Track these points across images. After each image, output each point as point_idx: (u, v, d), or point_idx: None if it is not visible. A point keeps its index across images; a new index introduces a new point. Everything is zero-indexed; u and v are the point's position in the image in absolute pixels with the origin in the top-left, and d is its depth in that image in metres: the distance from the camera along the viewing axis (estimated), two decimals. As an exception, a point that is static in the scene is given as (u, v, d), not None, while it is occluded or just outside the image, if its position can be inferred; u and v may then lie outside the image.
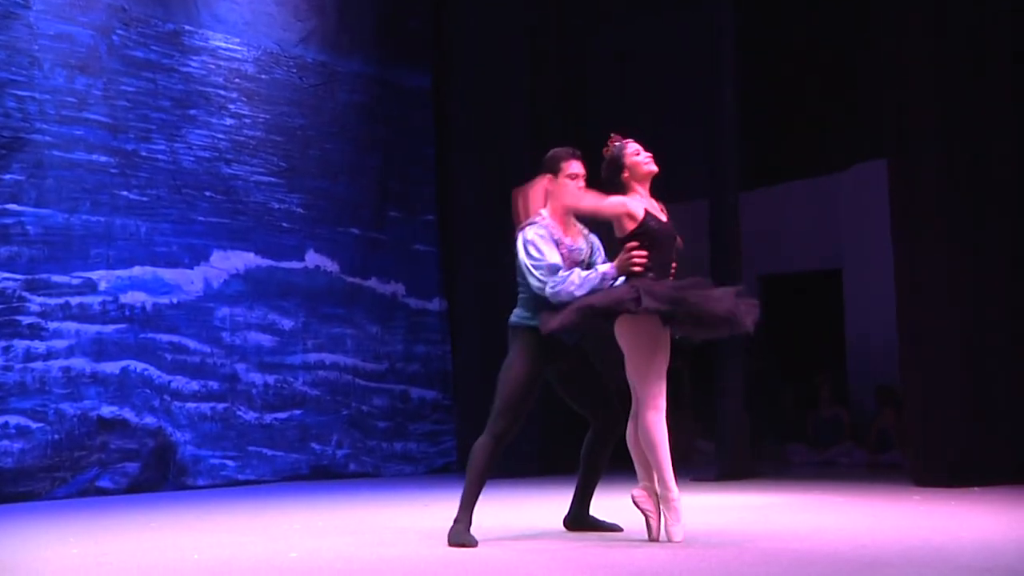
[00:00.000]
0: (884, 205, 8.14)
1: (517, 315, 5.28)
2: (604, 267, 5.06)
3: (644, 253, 4.95)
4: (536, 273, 5.09)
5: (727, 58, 8.97)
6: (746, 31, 9.54)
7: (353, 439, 9.84)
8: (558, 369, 5.31)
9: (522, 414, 5.20)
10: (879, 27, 8.26)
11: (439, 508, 6.98)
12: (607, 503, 5.53)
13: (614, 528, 5.39)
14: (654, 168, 5.14)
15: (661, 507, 4.99)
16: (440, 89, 10.68)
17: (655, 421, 4.91)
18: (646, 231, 4.99)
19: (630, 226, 5.00)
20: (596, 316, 4.94)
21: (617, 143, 5.17)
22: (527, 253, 5.13)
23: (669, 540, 4.92)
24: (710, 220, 8.84)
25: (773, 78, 11.49)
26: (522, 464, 9.19)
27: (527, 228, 5.19)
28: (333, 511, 6.93)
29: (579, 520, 5.45)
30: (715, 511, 6.36)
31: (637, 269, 4.95)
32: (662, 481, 4.94)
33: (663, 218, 5.11)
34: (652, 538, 5.00)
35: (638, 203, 5.04)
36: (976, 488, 7.15)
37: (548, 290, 5.06)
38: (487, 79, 9.92)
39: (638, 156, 5.12)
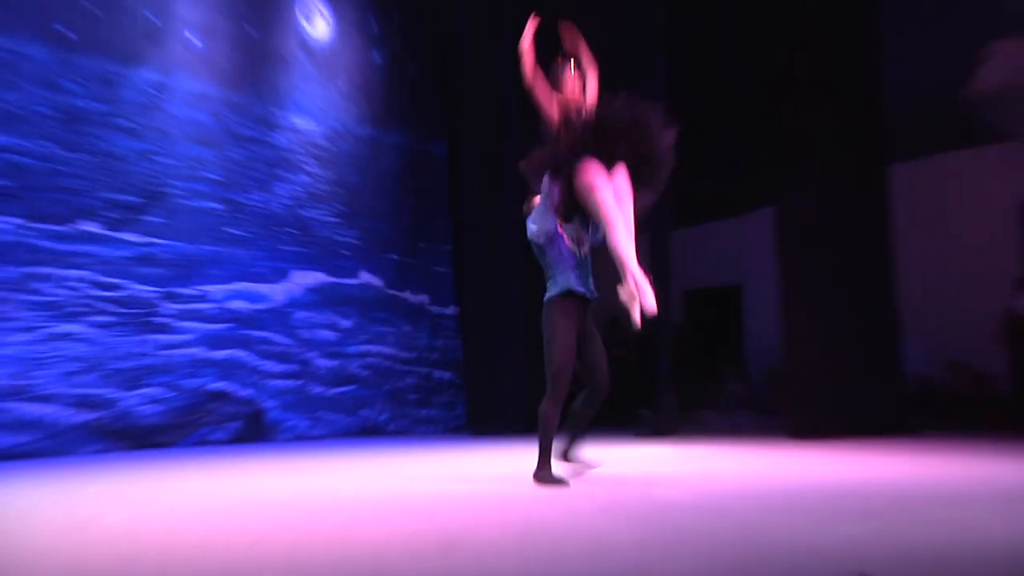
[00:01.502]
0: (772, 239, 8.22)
1: (548, 293, 4.66)
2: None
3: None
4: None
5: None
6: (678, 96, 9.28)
7: (392, 407, 9.86)
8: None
9: (570, 374, 4.52)
10: (789, 106, 8.12)
11: (453, 458, 7.04)
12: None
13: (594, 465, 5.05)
14: None
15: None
16: (453, 156, 10.61)
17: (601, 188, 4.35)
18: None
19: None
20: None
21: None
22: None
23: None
24: (650, 250, 8.87)
25: (706, 140, 11.13)
26: (507, 423, 9.16)
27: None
28: (377, 458, 6.87)
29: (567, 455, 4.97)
30: (652, 460, 6.32)
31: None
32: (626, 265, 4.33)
33: None
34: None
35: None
36: (837, 439, 7.19)
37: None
38: (489, 148, 9.85)
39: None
